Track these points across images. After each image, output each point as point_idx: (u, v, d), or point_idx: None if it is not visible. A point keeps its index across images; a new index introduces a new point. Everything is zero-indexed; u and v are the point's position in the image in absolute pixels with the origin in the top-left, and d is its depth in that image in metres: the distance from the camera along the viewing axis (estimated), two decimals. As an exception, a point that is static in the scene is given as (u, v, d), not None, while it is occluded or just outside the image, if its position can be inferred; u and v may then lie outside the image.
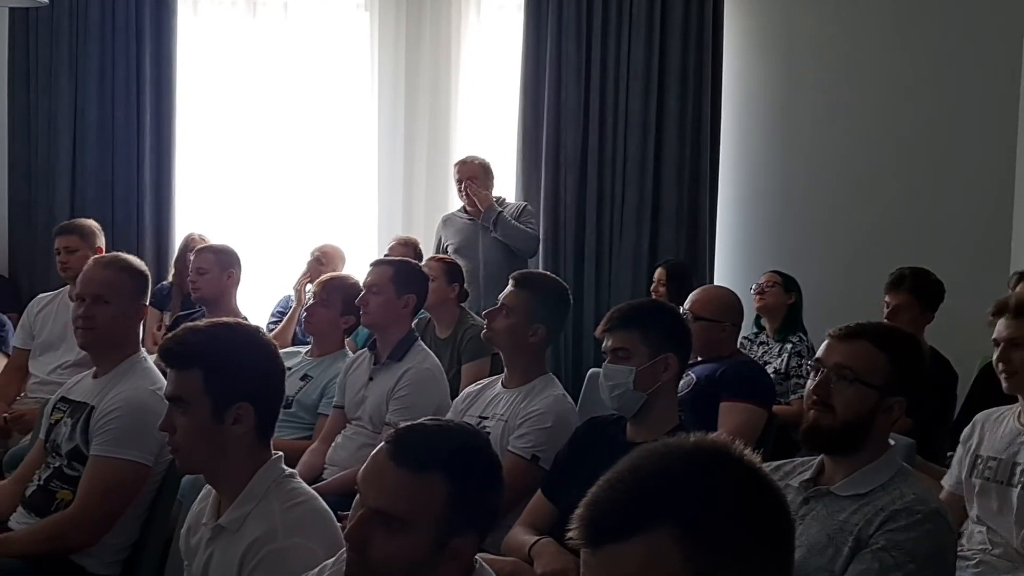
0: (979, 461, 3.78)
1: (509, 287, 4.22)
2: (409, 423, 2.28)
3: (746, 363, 4.89)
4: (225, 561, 2.68)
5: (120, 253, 4.23)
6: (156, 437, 3.43)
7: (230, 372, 2.78)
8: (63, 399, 3.83)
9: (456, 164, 7.21)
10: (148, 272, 4.01)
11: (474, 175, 7.04)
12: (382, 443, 2.23)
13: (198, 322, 3.01)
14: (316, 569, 2.45)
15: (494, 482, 2.25)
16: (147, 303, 3.97)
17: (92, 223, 6.07)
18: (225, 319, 3.11)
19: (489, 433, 3.90)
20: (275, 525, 2.63)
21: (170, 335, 2.93)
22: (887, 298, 5.41)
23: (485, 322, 4.27)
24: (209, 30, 8.08)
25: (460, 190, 7.09)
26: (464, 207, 7.15)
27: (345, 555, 2.31)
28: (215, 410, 2.75)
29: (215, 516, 2.77)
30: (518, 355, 4.16)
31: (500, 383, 4.24)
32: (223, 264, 5.65)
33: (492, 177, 7.17)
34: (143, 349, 3.90)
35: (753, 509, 1.45)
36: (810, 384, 2.87)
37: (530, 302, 4.14)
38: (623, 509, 1.42)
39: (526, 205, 7.27)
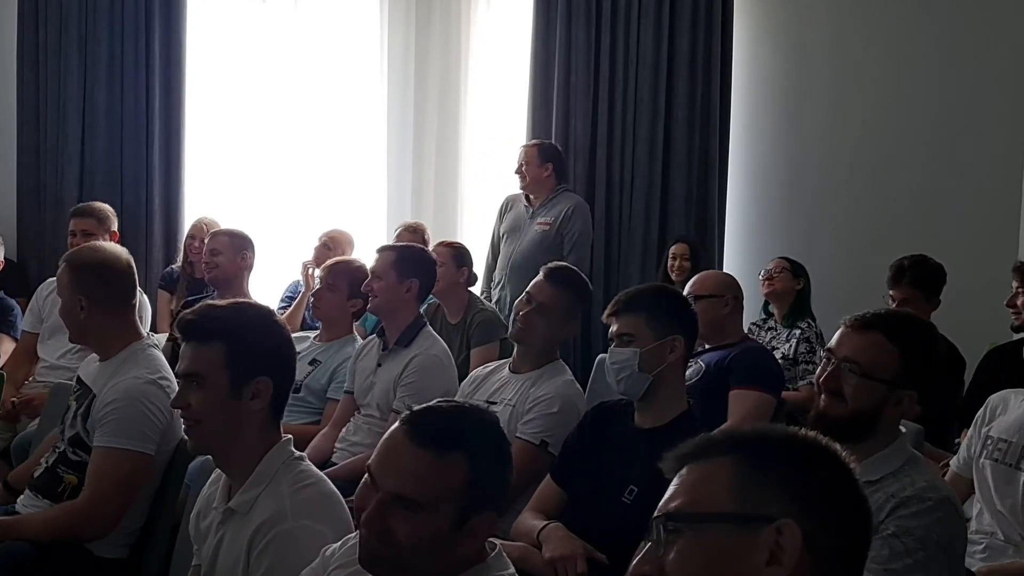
0: (989, 442, 3.78)
1: (547, 285, 4.16)
2: (422, 405, 2.27)
3: (755, 349, 4.88)
4: (235, 543, 2.68)
5: (95, 243, 4.19)
6: (157, 425, 3.50)
7: (252, 346, 2.79)
8: (78, 379, 3.83)
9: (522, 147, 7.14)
10: (119, 259, 3.83)
11: (528, 160, 6.97)
12: (395, 425, 2.22)
13: (216, 301, 3.01)
14: (318, 559, 2.44)
15: (507, 460, 2.26)
16: (113, 297, 3.76)
17: (108, 207, 6.10)
18: (240, 299, 3.12)
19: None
20: (284, 507, 2.64)
21: (189, 310, 2.92)
22: (891, 292, 5.41)
23: (519, 318, 4.16)
24: (219, 14, 8.05)
25: (519, 171, 7.01)
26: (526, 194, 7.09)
27: (353, 540, 2.32)
28: (234, 384, 2.76)
29: (225, 499, 2.78)
30: (542, 349, 4.17)
31: (508, 368, 4.24)
32: (237, 247, 5.65)
33: (550, 163, 6.99)
34: (149, 334, 3.87)
35: (816, 481, 1.62)
36: (820, 372, 2.86)
37: (570, 303, 4.17)
38: (707, 441, 1.68)
39: (577, 205, 7.07)
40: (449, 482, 2.13)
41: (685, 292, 4.74)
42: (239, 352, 2.77)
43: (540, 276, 4.21)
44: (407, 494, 2.12)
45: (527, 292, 4.20)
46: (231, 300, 3.05)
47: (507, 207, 7.19)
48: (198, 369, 2.79)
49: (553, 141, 7.58)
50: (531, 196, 7.02)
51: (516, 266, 6.80)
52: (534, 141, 7.22)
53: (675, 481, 1.66)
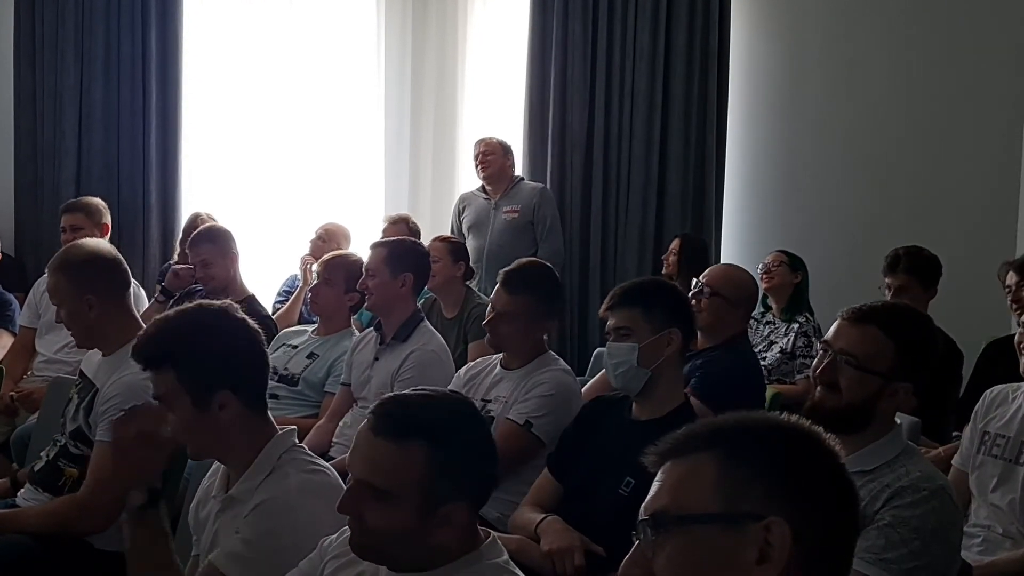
0: (987, 438, 3.77)
1: (503, 292, 4.16)
2: (390, 394, 2.32)
3: (730, 361, 4.37)
4: (232, 527, 2.68)
5: (75, 242, 4.15)
6: None
7: (201, 364, 2.74)
8: (81, 373, 3.84)
9: (476, 142, 7.23)
10: (105, 249, 3.85)
11: (493, 152, 7.08)
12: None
13: (167, 314, 2.96)
14: (316, 550, 2.46)
15: (481, 449, 2.27)
16: (116, 287, 3.78)
17: (98, 201, 6.08)
18: (190, 305, 3.02)
19: (493, 416, 3.93)
20: (289, 485, 2.65)
21: (141, 333, 2.88)
22: (887, 280, 5.41)
23: (484, 327, 4.25)
24: (215, 8, 8.06)
25: (478, 166, 7.12)
26: (483, 186, 7.17)
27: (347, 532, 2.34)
28: (196, 402, 2.72)
29: (224, 489, 2.79)
30: (523, 349, 4.18)
31: (499, 364, 4.24)
32: (223, 250, 5.57)
33: (511, 156, 7.22)
34: None
35: (798, 468, 1.61)
36: (816, 364, 2.86)
37: (532, 305, 4.14)
38: (688, 436, 1.65)
39: (543, 192, 7.29)
40: (409, 471, 2.15)
41: (701, 279, 4.53)
42: (190, 373, 2.73)
43: (498, 284, 4.22)
44: (372, 482, 2.16)
45: (491, 300, 4.24)
46: (178, 312, 2.93)
47: (463, 206, 7.29)
48: (160, 394, 2.78)
49: (550, 136, 7.61)
50: (489, 188, 7.11)
51: (491, 255, 6.91)
52: (492, 137, 7.25)
53: (658, 478, 1.64)
